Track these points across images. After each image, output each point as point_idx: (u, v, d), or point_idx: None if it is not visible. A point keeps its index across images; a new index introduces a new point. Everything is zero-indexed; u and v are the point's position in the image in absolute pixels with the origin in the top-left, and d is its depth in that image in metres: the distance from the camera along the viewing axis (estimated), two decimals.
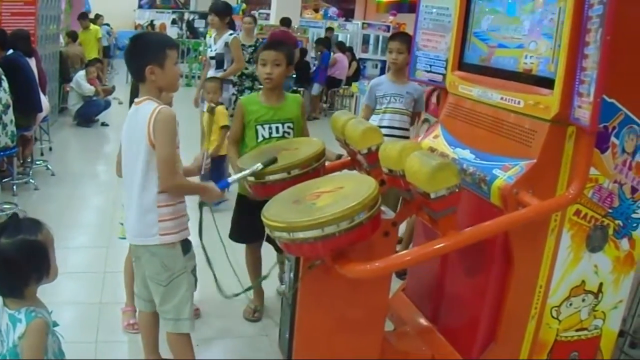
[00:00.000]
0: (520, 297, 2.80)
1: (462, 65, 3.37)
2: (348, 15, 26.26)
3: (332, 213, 2.39)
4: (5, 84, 5.50)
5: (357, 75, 15.11)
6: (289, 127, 3.81)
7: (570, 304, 2.91)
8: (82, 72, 10.34)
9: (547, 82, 2.65)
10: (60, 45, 11.03)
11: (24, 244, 2.18)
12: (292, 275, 2.99)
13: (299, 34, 15.15)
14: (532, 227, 2.68)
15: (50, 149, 8.26)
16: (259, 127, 3.75)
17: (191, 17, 28.72)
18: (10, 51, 6.51)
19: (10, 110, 5.55)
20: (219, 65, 6.97)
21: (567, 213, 2.75)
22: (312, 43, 15.19)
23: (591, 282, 2.93)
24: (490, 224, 2.52)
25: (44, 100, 7.09)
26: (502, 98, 2.91)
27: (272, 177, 3.16)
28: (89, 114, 10.18)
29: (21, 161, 6.95)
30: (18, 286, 2.19)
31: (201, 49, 17.18)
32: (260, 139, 3.75)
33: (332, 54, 13.77)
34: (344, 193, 2.57)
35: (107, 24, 20.07)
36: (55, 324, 2.35)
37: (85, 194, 6.63)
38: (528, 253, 2.76)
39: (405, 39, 4.60)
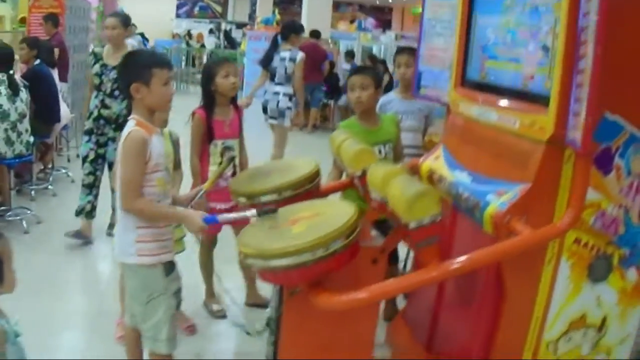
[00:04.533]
0: (513, 331, 2.62)
1: (464, 81, 3.21)
2: (385, 26, 26.16)
3: (306, 241, 2.29)
4: (23, 95, 5.77)
5: (390, 87, 14.95)
6: (389, 148, 3.79)
7: (570, 339, 2.70)
8: None
9: (543, 101, 2.47)
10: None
11: None
12: (276, 300, 2.88)
13: (331, 46, 15.11)
14: (527, 256, 2.49)
15: (78, 155, 8.28)
16: None
17: (228, 27, 28.89)
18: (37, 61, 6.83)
19: (27, 120, 5.80)
20: (287, 80, 7.19)
21: (566, 241, 2.56)
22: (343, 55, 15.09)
23: (593, 315, 2.71)
24: (476, 255, 2.36)
25: (65, 109, 7.37)
26: (499, 117, 2.75)
27: (263, 198, 3.08)
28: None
29: (42, 167, 7.25)
30: None
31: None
32: None
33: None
34: (321, 220, 2.46)
35: (141, 34, 20.23)
36: (17, 334, 2.36)
37: (102, 202, 6.58)
38: (522, 284, 2.58)
39: (414, 53, 4.45)
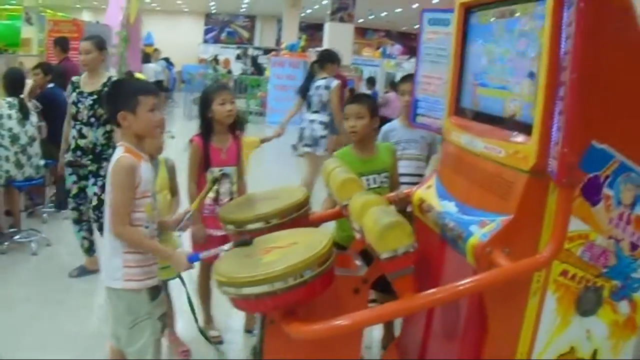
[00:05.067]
0: None
1: (457, 110, 3.16)
2: (412, 53, 26.14)
3: (275, 269, 2.27)
4: (33, 118, 5.87)
5: None
6: (385, 177, 3.75)
7: None
8: None
9: (528, 129, 2.42)
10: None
11: None
12: (259, 328, 2.86)
13: (353, 72, 15.14)
14: (510, 289, 2.42)
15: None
16: None
17: (255, 53, 29.19)
18: (51, 85, 6.92)
19: (37, 144, 5.88)
20: (322, 107, 7.19)
21: (552, 274, 2.47)
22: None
23: (583, 349, 2.62)
24: (453, 287, 2.31)
25: None
26: (485, 147, 2.69)
27: (250, 227, 3.08)
28: None
29: (55, 190, 7.18)
30: None
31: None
32: None
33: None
34: (294, 249, 2.45)
35: (166, 59, 20.52)
36: None
37: None
38: (505, 318, 2.49)
39: None
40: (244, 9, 31.66)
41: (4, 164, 5.66)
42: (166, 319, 3.09)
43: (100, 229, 4.88)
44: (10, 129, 5.65)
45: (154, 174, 3.13)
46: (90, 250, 5.30)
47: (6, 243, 5.83)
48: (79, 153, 5.07)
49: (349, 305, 2.56)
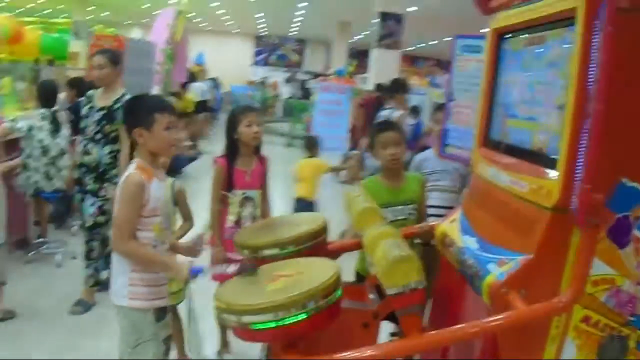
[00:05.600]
0: None
1: (487, 141, 3.03)
2: None
3: (276, 299, 2.18)
4: (64, 131, 5.88)
5: None
6: (413, 209, 3.57)
7: None
8: None
9: (553, 163, 2.27)
10: None
11: None
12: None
13: None
14: (526, 334, 2.26)
15: None
16: (383, 210, 3.44)
17: (303, 78, 29.35)
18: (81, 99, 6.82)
19: (67, 156, 5.86)
20: None
21: (573, 319, 2.30)
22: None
23: None
24: (462, 328, 2.17)
25: None
26: (510, 180, 2.55)
27: (265, 252, 2.98)
28: (174, 167, 10.35)
29: None
30: None
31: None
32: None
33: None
34: (299, 279, 2.33)
35: (213, 79, 20.72)
36: None
37: None
38: None
39: None
40: (294, 32, 31.92)
41: (33, 175, 5.70)
42: (170, 342, 3.02)
43: (89, 251, 4.88)
44: (41, 141, 5.69)
45: (167, 193, 3.07)
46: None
47: (32, 253, 5.89)
48: (83, 170, 4.89)
49: (357, 340, 2.41)
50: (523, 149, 2.60)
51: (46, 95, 5.92)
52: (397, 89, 7.42)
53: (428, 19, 18.83)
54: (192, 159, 10.68)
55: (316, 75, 25.76)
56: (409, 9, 16.15)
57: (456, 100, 3.38)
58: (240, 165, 3.91)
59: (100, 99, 4.86)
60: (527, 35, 2.66)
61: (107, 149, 4.78)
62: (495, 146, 2.92)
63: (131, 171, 2.81)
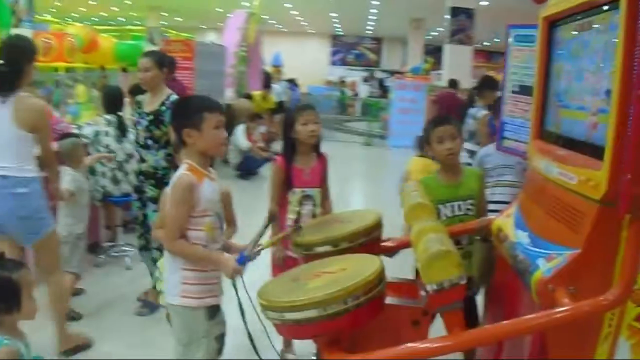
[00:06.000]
0: None
1: (542, 133, 2.93)
2: None
3: (316, 296, 2.19)
4: (131, 136, 5.88)
5: None
6: (470, 204, 3.50)
7: None
8: (242, 126, 10.67)
9: (601, 154, 2.16)
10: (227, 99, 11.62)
11: None
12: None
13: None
14: (577, 333, 2.17)
15: None
16: (441, 206, 3.48)
17: (382, 76, 29.22)
18: None
19: (134, 161, 5.81)
20: (470, 136, 7.02)
21: (626, 318, 2.21)
22: None
23: None
24: (504, 326, 2.11)
25: None
26: (559, 172, 2.46)
27: (318, 249, 3.00)
28: (248, 167, 10.53)
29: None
30: None
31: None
32: (443, 218, 3.46)
33: None
34: (341, 276, 2.33)
35: (291, 80, 20.89)
36: (38, 357, 2.67)
37: None
38: None
39: None
40: (370, 31, 31.84)
41: (100, 179, 5.89)
42: (224, 340, 3.02)
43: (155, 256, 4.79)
44: (107, 146, 5.88)
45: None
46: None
47: (102, 256, 6.09)
48: (141, 178, 4.84)
49: (407, 338, 2.37)
50: (574, 139, 2.50)
51: (111, 102, 6.10)
52: (485, 86, 7.28)
53: (500, 12, 18.43)
54: (267, 160, 10.80)
55: (393, 73, 25.64)
56: (481, 3, 15.85)
57: (511, 92, 3.28)
58: (299, 164, 3.92)
59: (148, 103, 4.78)
60: (575, 21, 2.56)
61: (161, 153, 4.73)
62: (548, 138, 2.82)
63: (182, 172, 2.85)
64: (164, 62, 4.82)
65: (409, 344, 2.18)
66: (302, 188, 3.92)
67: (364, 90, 28.31)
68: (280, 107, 16.57)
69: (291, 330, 2.34)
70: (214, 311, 2.95)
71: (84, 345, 4.21)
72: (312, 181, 3.95)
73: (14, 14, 10.33)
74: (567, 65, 2.65)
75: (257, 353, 2.78)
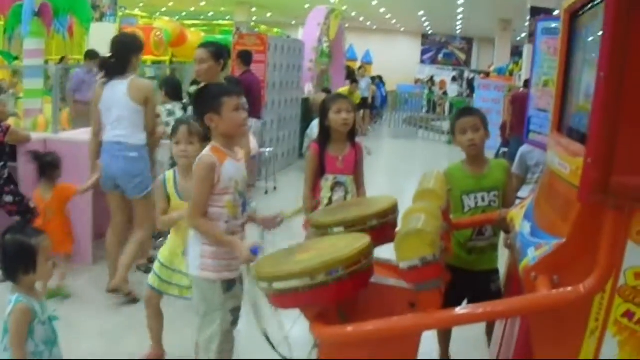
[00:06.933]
0: None
1: (560, 126, 2.89)
2: None
3: (299, 267, 2.33)
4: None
5: None
6: (495, 196, 3.50)
7: None
8: (317, 120, 10.77)
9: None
10: (305, 93, 11.84)
11: (16, 242, 2.68)
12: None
13: None
14: (562, 325, 2.15)
15: (275, 188, 9.08)
16: (464, 197, 3.53)
17: (471, 76, 28.78)
18: None
19: None
20: None
21: (613, 313, 2.12)
22: None
23: None
24: (480, 308, 2.10)
25: (254, 144, 7.56)
26: (559, 163, 2.44)
27: (333, 230, 3.03)
28: None
29: None
30: (10, 274, 2.70)
31: None
32: (467, 209, 3.52)
33: None
34: (328, 251, 2.41)
35: (378, 77, 20.86)
36: (54, 318, 2.80)
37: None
38: (557, 356, 2.19)
39: None
40: (459, 30, 31.43)
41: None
42: (238, 313, 3.15)
43: None
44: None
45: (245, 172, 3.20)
46: None
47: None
48: None
49: None
50: (580, 131, 2.47)
51: (174, 89, 6.14)
52: None
53: None
54: None
55: (480, 73, 25.21)
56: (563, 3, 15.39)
57: (537, 85, 3.25)
58: (332, 151, 3.99)
59: None
60: (588, 11, 2.53)
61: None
62: (564, 130, 2.80)
63: (205, 153, 3.01)
64: (221, 54, 4.79)
65: (388, 319, 2.23)
66: (334, 174, 3.98)
67: (452, 90, 27.96)
68: (363, 103, 16.66)
69: (279, 300, 2.43)
70: (231, 285, 3.08)
71: (131, 297, 4.66)
72: (345, 169, 4.00)
73: (97, 9, 10.79)
74: (582, 56, 2.61)
75: (272, 347, 2.89)
